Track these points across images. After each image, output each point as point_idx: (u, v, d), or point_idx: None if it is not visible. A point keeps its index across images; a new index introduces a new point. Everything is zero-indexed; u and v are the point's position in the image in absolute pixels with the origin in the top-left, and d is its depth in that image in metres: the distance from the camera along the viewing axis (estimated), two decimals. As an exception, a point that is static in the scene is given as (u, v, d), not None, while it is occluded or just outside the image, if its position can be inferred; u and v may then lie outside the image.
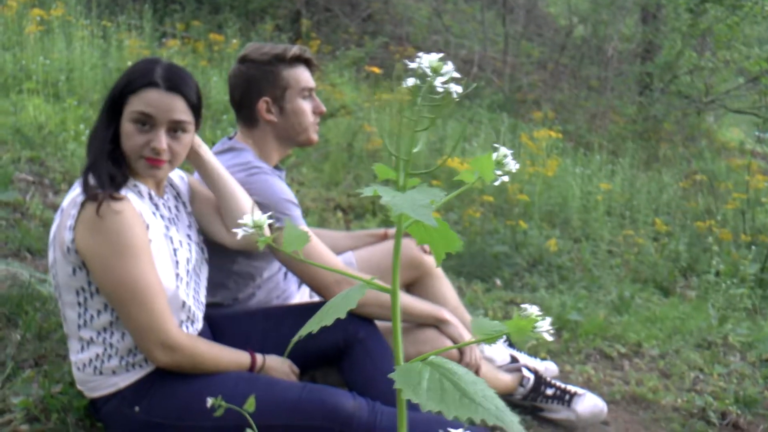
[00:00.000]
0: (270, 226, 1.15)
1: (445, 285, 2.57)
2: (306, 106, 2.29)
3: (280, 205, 2.12)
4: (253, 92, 2.27)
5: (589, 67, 11.91)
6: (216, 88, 6.39)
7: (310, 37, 9.15)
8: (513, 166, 0.56)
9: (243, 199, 2.02)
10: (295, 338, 0.59)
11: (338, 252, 2.45)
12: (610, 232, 5.40)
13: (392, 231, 2.68)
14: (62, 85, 5.63)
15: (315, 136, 2.35)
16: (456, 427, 0.75)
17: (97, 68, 6.26)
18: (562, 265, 4.57)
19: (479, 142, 6.47)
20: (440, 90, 0.49)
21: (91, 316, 1.84)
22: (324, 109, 2.34)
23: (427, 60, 0.49)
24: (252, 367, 1.98)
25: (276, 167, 2.38)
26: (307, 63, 2.30)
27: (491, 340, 0.52)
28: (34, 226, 3.28)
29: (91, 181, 1.81)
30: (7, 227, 3.26)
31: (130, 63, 6.34)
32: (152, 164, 1.85)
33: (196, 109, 1.91)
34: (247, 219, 0.57)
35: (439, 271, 2.59)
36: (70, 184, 3.93)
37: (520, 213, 5.23)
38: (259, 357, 2.00)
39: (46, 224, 3.36)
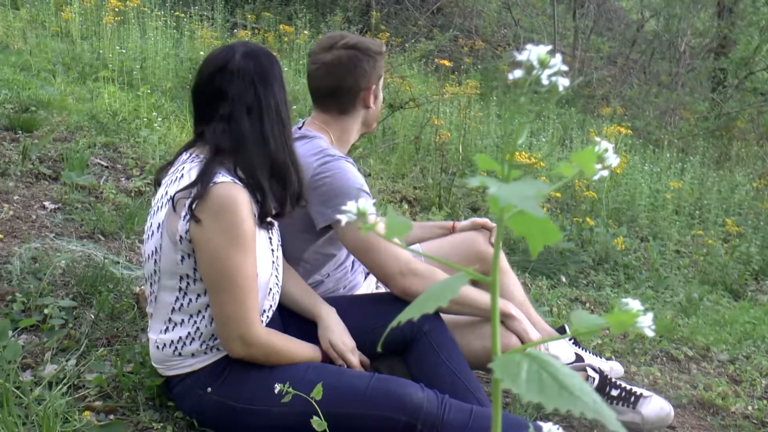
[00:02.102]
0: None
1: (512, 280, 2.55)
2: (381, 94, 2.45)
3: (353, 194, 2.14)
4: (362, 79, 2.30)
5: (660, 62, 11.64)
6: (285, 79, 6.45)
7: (379, 29, 9.17)
8: (614, 160, 0.55)
9: None
10: (392, 324, 0.60)
11: (407, 242, 2.46)
12: (678, 232, 5.28)
13: (459, 224, 2.67)
14: (136, 74, 5.78)
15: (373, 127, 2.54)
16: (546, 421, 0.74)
17: (170, 58, 6.41)
18: (629, 263, 4.48)
19: (547, 137, 6.39)
20: (546, 83, 0.49)
21: (189, 301, 1.88)
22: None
23: (535, 52, 0.49)
24: (324, 360, 2.01)
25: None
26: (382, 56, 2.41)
27: (589, 334, 0.52)
28: (107, 210, 3.38)
29: (217, 170, 1.82)
30: (83, 210, 3.36)
31: (202, 53, 6.46)
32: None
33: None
34: (351, 205, 0.58)
35: (506, 266, 2.58)
36: (143, 170, 4.04)
37: (587, 210, 5.16)
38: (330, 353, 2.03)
39: (119, 208, 3.45)
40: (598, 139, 0.55)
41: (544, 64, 0.48)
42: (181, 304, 1.89)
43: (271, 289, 1.97)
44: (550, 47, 0.48)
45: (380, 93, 2.41)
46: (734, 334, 3.57)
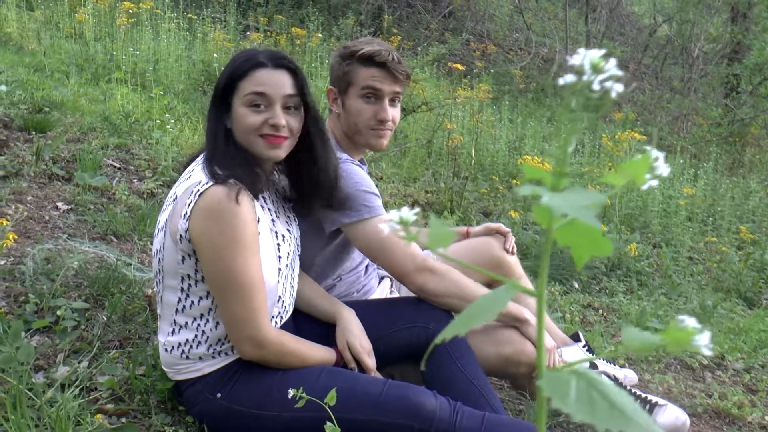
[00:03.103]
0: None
1: (526, 285, 2.53)
2: (363, 106, 2.24)
3: (360, 197, 2.13)
4: (330, 80, 2.32)
5: (673, 67, 11.61)
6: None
7: (391, 32, 9.17)
8: (665, 170, 0.53)
9: None
10: (438, 340, 0.58)
11: (421, 247, 2.44)
12: (691, 239, 5.24)
13: (473, 229, 2.65)
14: (149, 76, 5.79)
15: (376, 142, 2.28)
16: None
17: (182, 59, 6.42)
18: (641, 270, 4.45)
19: (559, 143, 6.35)
20: (598, 89, 0.47)
21: (192, 302, 1.88)
22: (385, 116, 2.24)
23: (588, 58, 0.47)
24: (337, 363, 2.00)
25: (360, 162, 2.39)
26: (382, 65, 2.23)
27: (643, 352, 0.50)
28: (120, 211, 3.38)
29: (217, 170, 1.82)
30: (95, 211, 3.36)
31: (215, 55, 6.47)
32: (272, 143, 1.86)
33: (303, 86, 1.92)
34: (393, 214, 0.57)
35: (521, 272, 2.56)
36: (155, 171, 4.04)
37: (600, 216, 5.12)
38: (343, 354, 2.02)
39: (131, 209, 3.45)
40: (648, 148, 0.53)
41: (597, 69, 0.47)
42: (184, 306, 1.88)
43: (280, 296, 1.94)
44: (603, 51, 0.46)
45: (354, 102, 2.25)
46: (749, 343, 3.53)
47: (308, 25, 8.23)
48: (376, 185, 2.27)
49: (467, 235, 2.63)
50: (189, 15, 7.63)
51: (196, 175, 1.84)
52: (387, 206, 4.37)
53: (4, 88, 4.66)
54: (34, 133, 4.11)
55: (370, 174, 2.28)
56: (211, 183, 1.77)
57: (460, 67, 6.49)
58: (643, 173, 0.51)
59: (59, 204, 3.34)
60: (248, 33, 8.00)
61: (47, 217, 3.16)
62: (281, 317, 1.97)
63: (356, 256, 2.35)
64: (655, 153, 0.52)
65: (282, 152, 1.89)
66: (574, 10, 11.97)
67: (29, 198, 3.31)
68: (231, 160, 1.85)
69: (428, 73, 7.91)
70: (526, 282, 2.55)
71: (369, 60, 2.22)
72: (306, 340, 1.97)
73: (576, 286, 4.10)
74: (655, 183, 0.53)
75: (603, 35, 11.09)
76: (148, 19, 6.79)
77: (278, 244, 1.93)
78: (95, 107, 4.93)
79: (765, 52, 9.18)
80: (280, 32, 8.27)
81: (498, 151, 6.05)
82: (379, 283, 2.51)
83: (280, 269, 1.92)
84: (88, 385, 2.08)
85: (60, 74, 5.57)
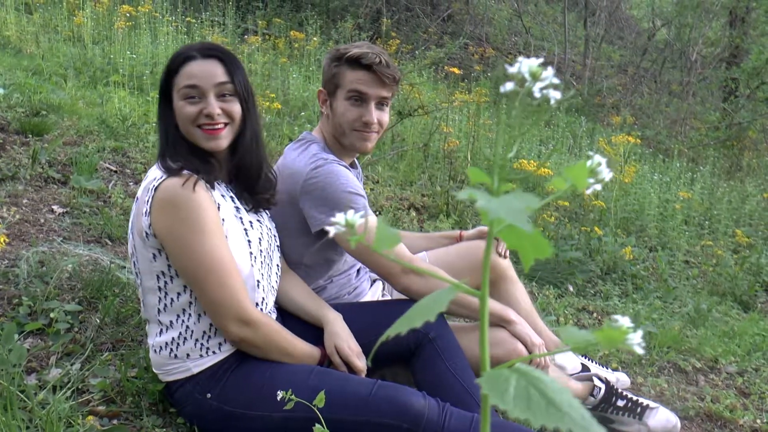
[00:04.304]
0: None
1: (518, 289, 2.54)
2: (349, 109, 2.25)
3: (343, 198, 2.14)
4: (321, 82, 2.34)
5: (671, 71, 11.62)
6: (295, 85, 6.47)
7: (390, 36, 9.19)
8: (607, 175, 0.55)
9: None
10: (381, 339, 0.59)
11: (413, 252, 2.45)
12: (687, 242, 5.26)
13: (466, 233, 2.66)
14: (146, 79, 5.81)
15: (361, 144, 2.29)
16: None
17: (180, 63, 6.42)
18: (637, 273, 4.46)
19: (556, 145, 6.38)
20: (538, 95, 0.49)
21: (171, 300, 1.90)
22: (371, 120, 2.24)
23: (527, 65, 0.49)
24: (321, 362, 2.01)
25: (352, 165, 2.40)
26: (368, 68, 2.23)
27: (579, 350, 0.51)
28: (115, 214, 3.39)
29: (170, 163, 1.87)
30: (90, 214, 3.37)
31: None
32: (209, 133, 1.90)
33: (233, 73, 1.93)
34: (339, 217, 0.58)
35: (513, 275, 2.57)
36: (152, 175, 4.05)
37: (596, 219, 5.14)
38: (327, 351, 2.04)
39: (126, 212, 3.47)
40: (591, 153, 0.54)
41: (535, 77, 0.48)
42: (165, 305, 1.91)
43: (259, 281, 1.97)
44: (541, 59, 0.47)
45: (340, 104, 2.26)
46: (743, 346, 3.54)
47: (307, 28, 8.25)
48: (372, 189, 2.28)
49: (460, 239, 2.64)
50: (187, 18, 7.65)
51: (151, 173, 1.90)
52: (383, 210, 4.38)
53: (1, 90, 4.67)
54: (30, 136, 4.12)
55: (366, 177, 2.29)
56: (165, 176, 1.82)
57: (457, 70, 6.51)
58: (584, 178, 0.52)
59: (55, 207, 3.35)
60: (247, 36, 8.02)
61: (42, 220, 3.17)
62: (266, 303, 2.00)
63: (347, 258, 2.36)
64: (597, 158, 0.53)
65: (222, 142, 1.92)
66: (573, 13, 12.00)
67: (25, 201, 3.32)
68: (182, 153, 1.89)
69: (426, 76, 7.93)
70: (518, 285, 2.55)
71: (356, 62, 2.23)
72: (291, 332, 1.99)
73: (571, 289, 4.11)
74: (598, 187, 0.54)
75: (602, 39, 11.11)
76: (147, 23, 6.81)
77: (245, 229, 1.95)
78: (92, 110, 4.94)
79: (763, 56, 9.20)
80: (278, 35, 8.29)
81: (494, 155, 6.04)
82: (371, 285, 2.53)
83: (252, 254, 1.94)
84: (80, 387, 2.09)
85: (58, 77, 5.59)
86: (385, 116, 2.31)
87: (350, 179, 2.19)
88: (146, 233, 1.84)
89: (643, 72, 11.34)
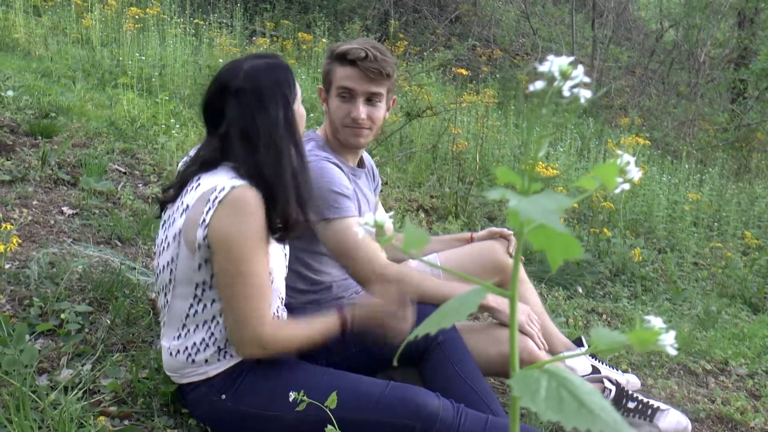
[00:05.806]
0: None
1: (529, 289, 2.54)
2: (338, 105, 2.27)
3: (328, 197, 2.14)
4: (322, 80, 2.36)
5: (679, 72, 11.58)
6: (303, 86, 6.47)
7: (398, 37, 9.19)
8: (636, 174, 0.54)
9: None
10: (410, 337, 0.59)
11: (424, 254, 2.45)
12: (696, 244, 5.24)
13: (477, 234, 2.66)
14: (155, 81, 5.83)
15: (354, 140, 2.30)
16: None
17: (188, 65, 6.45)
18: (646, 275, 4.45)
19: (564, 147, 6.37)
20: (568, 95, 0.48)
21: (204, 306, 1.88)
22: (358, 116, 2.24)
23: (557, 63, 0.48)
24: (344, 328, 1.96)
25: (360, 164, 2.41)
26: (352, 64, 2.22)
27: (610, 351, 0.51)
28: (124, 216, 3.40)
29: (232, 175, 1.83)
30: (100, 215, 3.38)
31: (221, 60, 6.50)
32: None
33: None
34: (368, 217, 0.58)
35: (524, 276, 2.56)
36: (160, 176, 4.06)
37: (605, 221, 5.13)
38: (348, 314, 1.97)
39: (136, 214, 3.47)
40: (620, 152, 0.54)
41: (565, 76, 0.48)
42: (196, 311, 1.89)
43: (282, 291, 2.00)
44: (572, 58, 0.47)
45: (332, 100, 2.29)
46: (753, 349, 3.53)
47: (314, 30, 8.25)
48: (381, 190, 2.28)
49: (471, 241, 2.63)
50: (195, 20, 7.67)
51: (208, 182, 1.83)
52: (391, 211, 4.37)
53: (11, 93, 4.69)
54: (40, 138, 4.14)
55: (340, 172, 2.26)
56: (240, 184, 1.79)
57: (465, 72, 6.50)
58: (614, 177, 0.52)
59: (64, 208, 3.36)
60: (255, 38, 8.03)
61: (52, 222, 3.18)
62: (281, 310, 2.00)
63: None
64: (626, 157, 0.53)
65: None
66: (581, 15, 11.97)
67: (35, 202, 3.33)
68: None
69: (434, 78, 7.93)
70: (528, 286, 2.55)
71: (343, 58, 2.24)
72: (304, 321, 1.96)
73: (580, 291, 4.10)
74: (627, 187, 0.54)
75: (610, 40, 11.09)
76: (155, 25, 6.82)
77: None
78: (101, 112, 4.96)
79: (771, 58, 9.16)
80: (286, 37, 8.30)
81: (503, 156, 6.05)
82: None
83: (286, 266, 1.98)
84: (91, 387, 2.09)
85: (66, 79, 5.61)
86: (378, 112, 2.29)
87: (337, 178, 2.18)
88: (199, 244, 1.80)
89: (651, 73, 11.31)
